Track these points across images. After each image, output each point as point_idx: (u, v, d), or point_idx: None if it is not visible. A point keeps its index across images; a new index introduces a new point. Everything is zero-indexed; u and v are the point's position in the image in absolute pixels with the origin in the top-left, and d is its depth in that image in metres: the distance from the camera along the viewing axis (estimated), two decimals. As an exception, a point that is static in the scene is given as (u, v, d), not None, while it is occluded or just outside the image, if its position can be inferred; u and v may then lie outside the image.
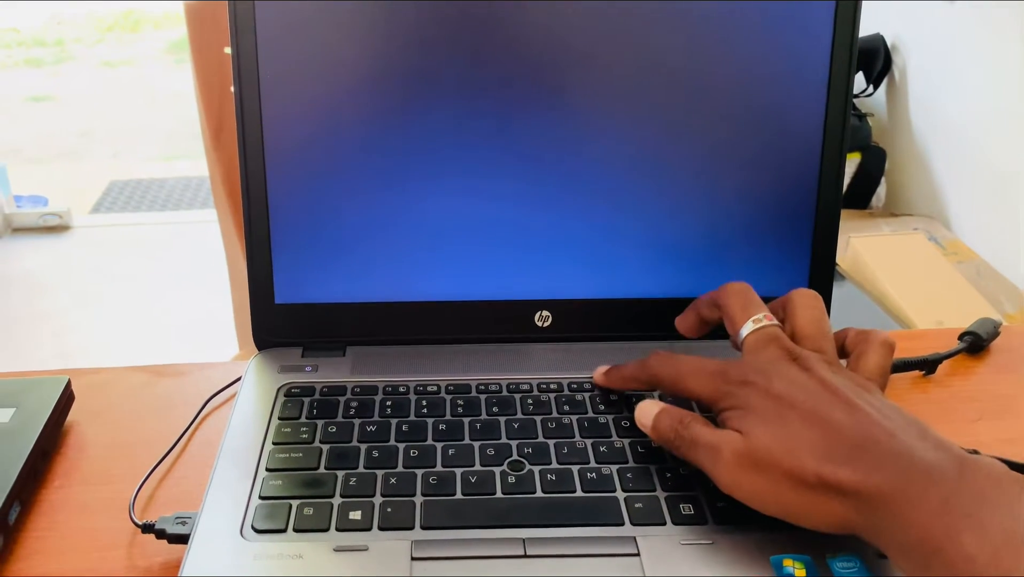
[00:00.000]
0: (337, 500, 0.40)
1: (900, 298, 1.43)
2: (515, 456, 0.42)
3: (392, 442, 0.43)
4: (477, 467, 0.42)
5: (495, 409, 0.46)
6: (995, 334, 0.57)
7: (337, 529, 0.38)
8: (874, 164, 1.89)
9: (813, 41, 0.48)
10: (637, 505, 0.39)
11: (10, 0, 4.72)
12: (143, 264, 2.26)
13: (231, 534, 0.38)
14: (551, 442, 0.43)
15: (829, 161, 0.49)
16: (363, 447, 0.43)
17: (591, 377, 0.48)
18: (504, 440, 0.43)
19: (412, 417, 0.45)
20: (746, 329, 0.42)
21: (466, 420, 0.45)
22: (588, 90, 0.48)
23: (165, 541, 0.40)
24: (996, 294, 1.49)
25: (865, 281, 1.51)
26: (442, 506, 0.39)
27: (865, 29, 1.91)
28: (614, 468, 0.42)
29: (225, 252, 1.18)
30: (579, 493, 0.40)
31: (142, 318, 2.01)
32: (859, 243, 1.55)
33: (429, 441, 0.43)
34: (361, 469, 0.41)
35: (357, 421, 0.45)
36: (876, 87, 1.95)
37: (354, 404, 0.46)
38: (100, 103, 3.57)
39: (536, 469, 0.41)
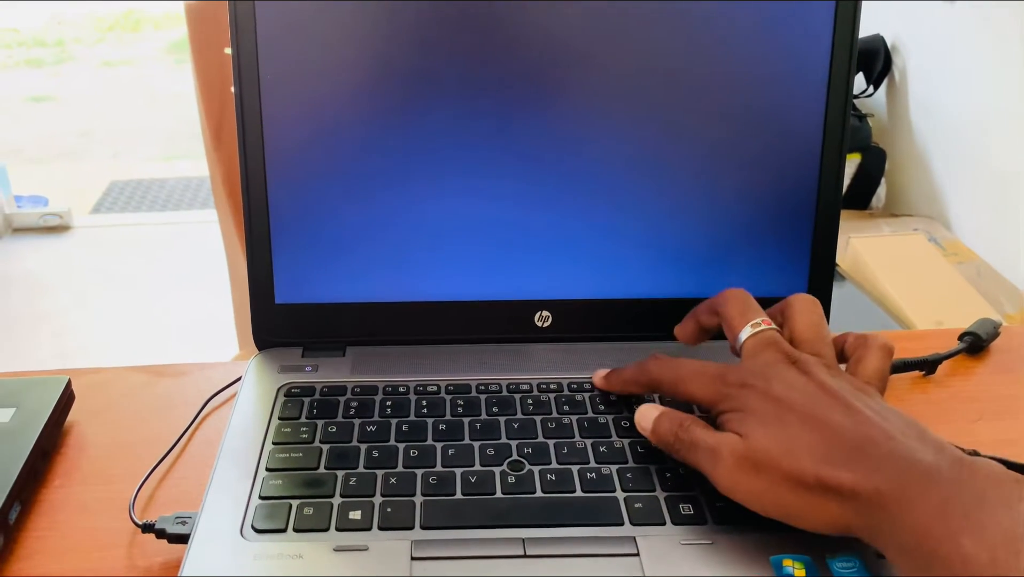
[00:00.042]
0: (337, 500, 0.40)
1: (900, 298, 1.43)
2: (515, 456, 0.42)
3: (392, 442, 0.43)
4: (477, 467, 0.42)
5: (495, 409, 0.46)
6: (995, 335, 0.57)
7: (337, 529, 0.38)
8: (874, 165, 1.89)
9: (813, 41, 0.48)
10: (637, 505, 0.39)
11: (10, 0, 4.72)
12: (143, 264, 2.26)
13: (231, 534, 0.38)
14: (551, 442, 0.43)
15: (829, 161, 0.50)
16: (363, 447, 0.43)
17: (591, 377, 0.48)
18: (504, 440, 0.43)
19: (412, 417, 0.45)
20: (745, 333, 0.42)
21: (466, 420, 0.45)
22: (588, 90, 0.48)
23: (165, 541, 0.40)
24: (996, 295, 1.49)
25: (865, 281, 1.51)
26: (442, 506, 0.39)
27: (865, 30, 1.91)
28: (614, 468, 0.42)
29: (225, 252, 1.18)
30: (579, 493, 0.40)
31: (142, 318, 2.01)
32: (859, 243, 1.55)
33: (429, 441, 0.43)
34: (361, 469, 0.41)
35: (357, 421, 0.45)
36: (876, 88, 1.95)
37: (354, 404, 0.46)
38: (100, 103, 3.57)
39: (536, 469, 0.41)
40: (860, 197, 1.90)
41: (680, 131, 0.49)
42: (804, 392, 0.37)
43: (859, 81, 1.95)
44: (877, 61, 1.91)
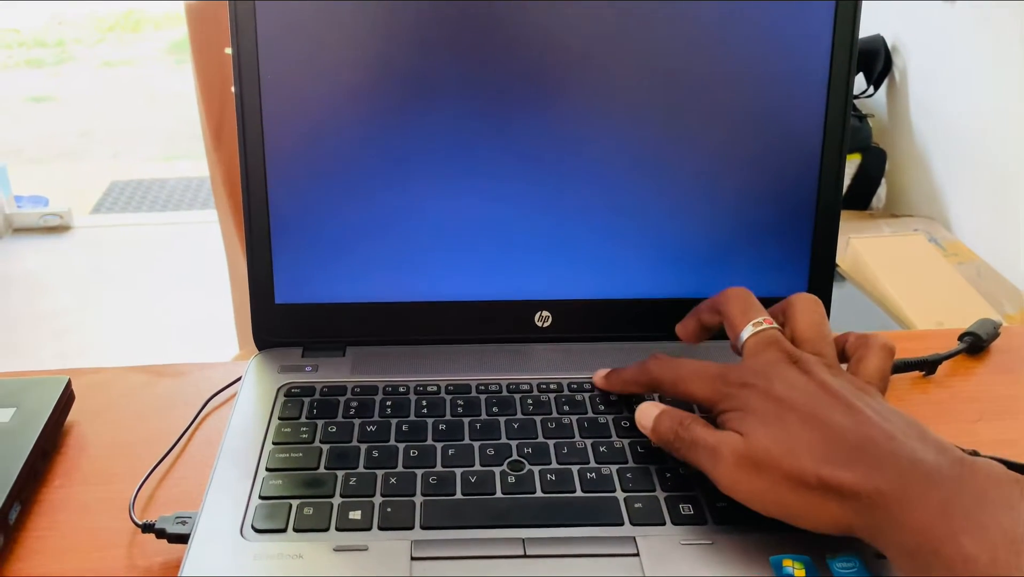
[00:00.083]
0: (337, 500, 0.40)
1: (900, 299, 1.43)
2: (515, 456, 0.42)
3: (392, 442, 0.43)
4: (477, 467, 0.42)
5: (495, 409, 0.46)
6: (995, 335, 0.57)
7: (337, 529, 0.38)
8: (874, 165, 1.90)
9: (813, 41, 0.48)
10: (637, 505, 0.39)
11: (11, 0, 4.72)
12: (143, 264, 2.26)
13: (231, 534, 0.38)
14: (551, 442, 0.43)
15: (829, 162, 0.50)
16: (363, 447, 0.43)
17: (591, 377, 0.48)
18: (504, 440, 0.43)
19: (412, 417, 0.45)
20: (746, 333, 0.42)
21: (466, 420, 0.45)
22: (588, 90, 0.48)
23: (165, 541, 0.40)
24: (996, 295, 1.49)
25: (865, 282, 1.51)
26: (442, 506, 0.39)
27: (865, 30, 1.91)
28: (614, 468, 0.42)
29: (225, 252, 1.18)
30: (579, 493, 0.40)
31: (142, 318, 2.01)
32: (859, 244, 1.55)
33: (429, 441, 0.43)
34: (361, 469, 0.41)
35: (357, 421, 0.45)
36: (876, 88, 1.95)
37: (354, 404, 0.46)
38: (101, 103, 3.57)
39: (536, 469, 0.41)
40: (860, 197, 1.90)
41: (680, 131, 0.49)
42: (805, 392, 0.37)
43: (859, 81, 1.95)
44: (877, 61, 1.91)
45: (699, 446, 0.38)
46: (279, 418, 0.45)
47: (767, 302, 0.44)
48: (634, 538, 0.37)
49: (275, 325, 0.51)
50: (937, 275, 1.51)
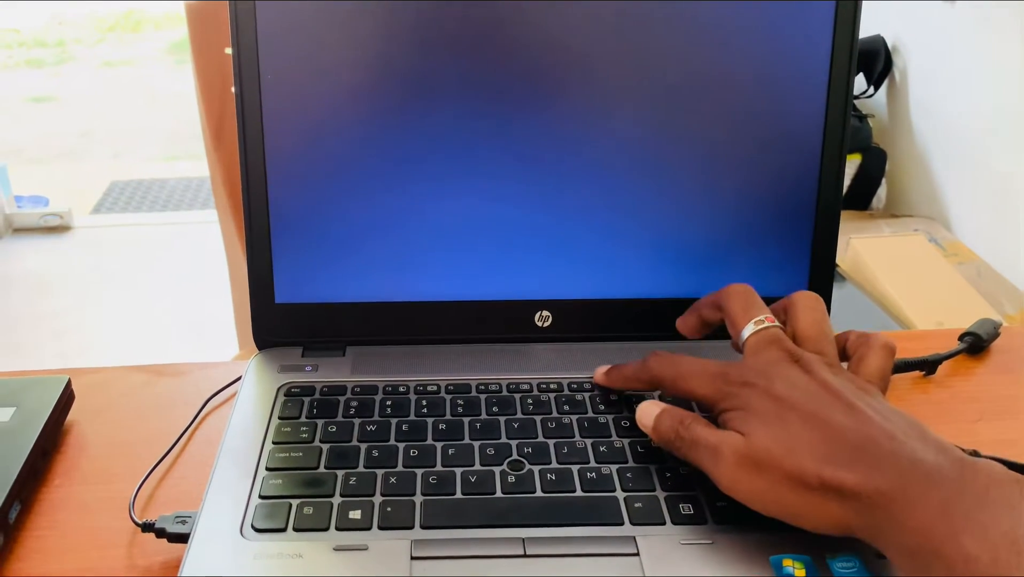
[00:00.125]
0: (337, 499, 0.40)
1: (900, 299, 1.43)
2: (515, 456, 0.42)
3: (392, 442, 0.43)
4: (477, 467, 0.42)
5: (495, 409, 0.46)
6: (995, 335, 0.57)
7: (337, 528, 0.38)
8: (874, 165, 1.90)
9: (813, 41, 0.48)
10: (637, 505, 0.39)
11: (11, 0, 4.72)
12: (143, 264, 2.26)
13: (231, 533, 0.38)
14: (551, 442, 0.43)
15: (829, 162, 0.49)
16: (363, 446, 0.43)
17: (591, 377, 0.48)
18: (504, 440, 0.43)
19: (412, 417, 0.45)
20: (748, 331, 0.42)
21: (466, 420, 0.45)
22: (588, 91, 0.48)
23: (165, 540, 0.40)
24: (996, 295, 1.49)
25: (865, 282, 1.50)
26: (442, 506, 0.39)
27: (865, 30, 1.91)
28: (614, 468, 0.42)
29: (225, 252, 1.18)
30: (579, 493, 0.40)
31: (142, 318, 2.01)
32: (859, 244, 1.55)
33: (429, 441, 0.43)
34: (361, 468, 0.41)
35: (357, 421, 0.45)
36: (877, 88, 1.95)
37: (354, 404, 0.46)
38: (101, 103, 3.57)
39: (536, 469, 0.41)
40: (860, 197, 1.90)
41: (680, 131, 0.49)
42: (806, 391, 0.37)
43: (859, 82, 1.95)
44: (877, 62, 1.91)
45: (700, 445, 0.38)
46: (279, 418, 0.45)
47: (767, 302, 0.44)
48: (634, 538, 0.37)
49: (275, 325, 0.51)
50: (937, 275, 1.51)
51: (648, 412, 0.41)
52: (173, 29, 4.45)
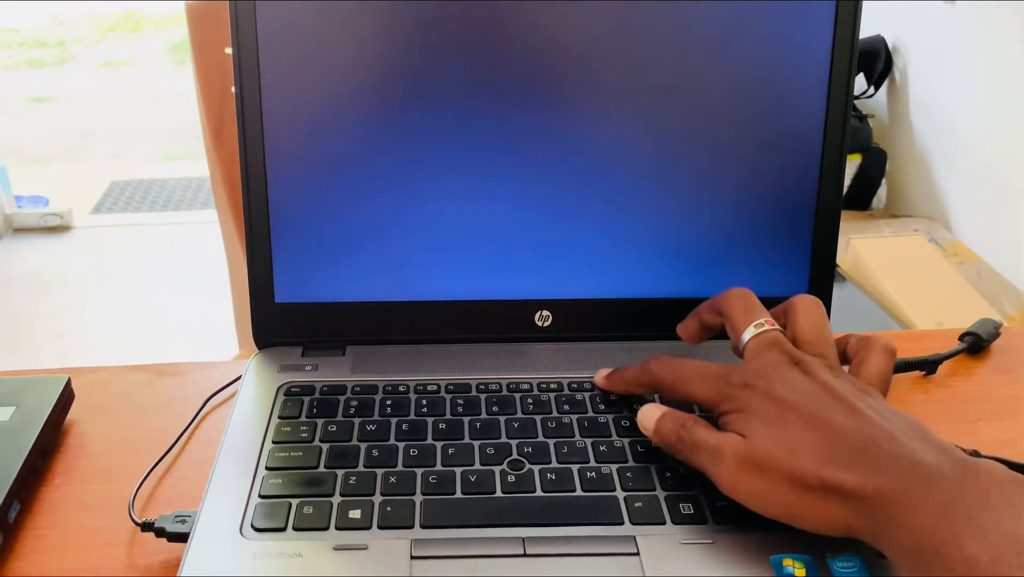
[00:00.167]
0: (337, 499, 0.40)
1: (900, 299, 1.43)
2: (515, 455, 0.42)
3: (392, 441, 0.43)
4: (477, 466, 0.42)
5: (495, 408, 0.46)
6: (995, 335, 0.57)
7: (337, 528, 0.38)
8: (875, 165, 1.90)
9: (813, 41, 0.48)
10: (637, 504, 0.39)
11: (11, 0, 4.72)
12: (143, 264, 2.26)
13: (231, 533, 0.38)
14: (551, 441, 0.43)
15: (829, 162, 0.49)
16: (363, 446, 0.43)
17: (591, 377, 0.48)
18: (504, 439, 0.43)
19: (412, 416, 0.45)
20: (748, 334, 0.42)
21: (466, 419, 0.45)
22: (588, 91, 0.48)
23: (165, 540, 0.40)
24: (996, 295, 1.49)
25: (865, 282, 1.51)
26: (442, 505, 0.39)
27: (866, 30, 1.91)
28: (614, 467, 0.42)
29: (225, 252, 1.18)
30: (579, 492, 0.40)
31: (142, 318, 2.01)
32: (860, 244, 1.55)
33: (429, 440, 0.43)
34: (361, 468, 0.41)
35: (357, 420, 0.45)
36: (877, 88, 1.96)
37: (354, 403, 0.46)
38: (101, 103, 3.57)
39: (536, 468, 0.41)
40: (861, 198, 1.91)
41: (680, 131, 0.49)
42: (807, 393, 0.37)
43: (860, 82, 1.95)
44: (878, 62, 1.91)
45: (701, 448, 0.38)
46: (279, 417, 0.45)
47: (768, 303, 0.44)
48: (634, 537, 0.37)
49: (275, 324, 0.51)
50: (937, 275, 1.51)
51: (649, 415, 0.41)
52: (173, 29, 4.45)
